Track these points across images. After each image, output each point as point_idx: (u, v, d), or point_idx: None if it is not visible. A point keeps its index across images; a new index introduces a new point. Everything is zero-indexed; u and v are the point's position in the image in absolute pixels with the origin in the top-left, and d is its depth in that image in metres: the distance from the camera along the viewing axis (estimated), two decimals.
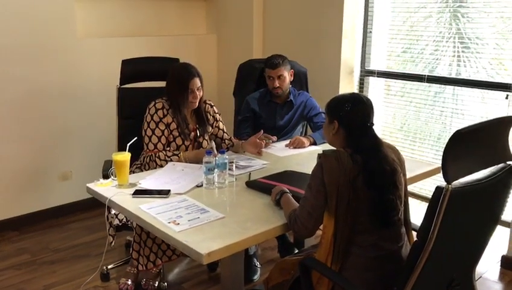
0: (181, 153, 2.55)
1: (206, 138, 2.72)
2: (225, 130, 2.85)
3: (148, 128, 2.57)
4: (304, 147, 2.86)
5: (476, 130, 1.53)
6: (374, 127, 1.82)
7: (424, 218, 1.49)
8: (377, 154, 1.76)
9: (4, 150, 3.36)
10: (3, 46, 3.24)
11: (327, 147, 2.74)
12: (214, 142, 2.61)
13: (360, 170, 1.69)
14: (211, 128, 2.77)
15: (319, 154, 1.77)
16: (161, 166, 2.51)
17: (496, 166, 1.59)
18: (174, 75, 2.63)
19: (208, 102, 2.79)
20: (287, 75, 3.03)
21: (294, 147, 2.85)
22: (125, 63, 3.02)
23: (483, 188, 1.52)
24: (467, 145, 1.49)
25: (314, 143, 2.91)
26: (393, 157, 1.82)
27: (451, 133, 1.45)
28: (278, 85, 3.00)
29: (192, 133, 2.66)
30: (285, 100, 3.10)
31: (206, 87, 4.30)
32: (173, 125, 2.60)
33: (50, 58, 3.45)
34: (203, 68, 4.29)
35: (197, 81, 2.59)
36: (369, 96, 3.69)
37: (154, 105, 2.59)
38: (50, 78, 3.47)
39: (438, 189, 1.42)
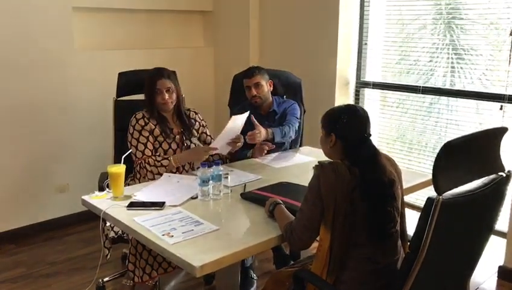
0: (171, 157, 2.55)
1: (194, 141, 2.74)
2: (212, 137, 2.87)
3: (133, 139, 2.59)
4: (256, 141, 2.78)
5: (467, 141, 1.54)
6: (371, 137, 1.81)
7: (416, 229, 1.50)
8: (375, 165, 1.75)
9: (1, 162, 3.37)
10: (0, 58, 3.26)
11: (317, 154, 2.74)
12: (197, 140, 2.64)
13: (357, 182, 1.68)
14: (196, 133, 2.79)
15: (316, 165, 1.76)
16: (151, 172, 2.53)
17: (487, 177, 1.60)
18: (146, 79, 2.67)
19: (192, 110, 2.83)
20: (265, 84, 3.01)
21: (250, 141, 2.76)
22: (122, 76, 3.04)
23: (475, 199, 1.53)
24: (458, 157, 1.50)
25: (272, 139, 2.86)
26: (391, 169, 1.82)
27: None
28: (255, 93, 2.98)
29: (178, 136, 2.68)
30: (268, 110, 3.10)
31: (204, 99, 4.39)
32: (156, 132, 2.62)
33: (47, 71, 3.48)
34: (200, 80, 4.38)
35: (166, 82, 2.62)
36: (365, 108, 3.71)
37: (134, 116, 2.63)
38: (47, 90, 3.49)
39: (429, 200, 1.43)
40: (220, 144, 2.64)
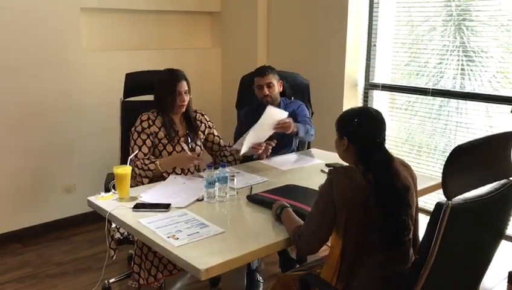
0: (157, 161, 2.52)
1: (199, 143, 2.73)
2: (220, 137, 2.87)
3: (132, 140, 2.59)
4: (287, 132, 2.76)
5: (477, 145, 1.52)
6: (385, 142, 1.77)
7: (425, 235, 1.47)
8: (389, 171, 1.70)
9: (9, 162, 3.38)
10: (9, 58, 3.28)
11: (325, 157, 2.71)
12: (186, 146, 2.60)
13: (371, 189, 1.64)
14: (202, 135, 2.78)
15: (329, 170, 1.73)
16: (140, 175, 2.50)
17: (498, 182, 1.57)
18: (162, 80, 2.65)
19: (198, 111, 2.82)
20: (276, 84, 3.00)
21: (279, 128, 2.73)
22: (129, 77, 3.04)
23: (485, 204, 1.50)
24: (468, 161, 1.47)
25: (296, 133, 2.84)
26: (406, 174, 1.77)
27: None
28: (267, 93, 2.97)
29: (183, 139, 2.67)
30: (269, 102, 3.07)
31: (211, 100, 4.38)
32: (161, 134, 2.61)
33: (55, 71, 3.48)
34: (207, 81, 4.37)
35: (185, 84, 2.63)
36: None
37: (139, 117, 2.62)
38: (55, 90, 3.50)
39: (438, 205, 1.41)
40: (253, 139, 2.64)
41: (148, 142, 2.57)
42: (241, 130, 2.96)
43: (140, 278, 2.42)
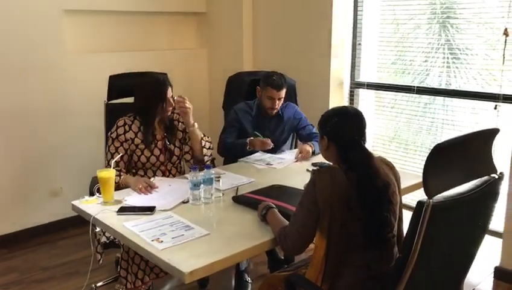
0: (123, 175, 2.47)
1: (177, 145, 2.71)
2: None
3: (107, 146, 2.58)
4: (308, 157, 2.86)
5: (457, 143, 1.52)
6: (364, 140, 1.77)
7: (407, 233, 1.47)
8: (368, 170, 1.71)
9: None
10: None
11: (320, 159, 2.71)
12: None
13: (354, 189, 1.65)
14: (182, 134, 2.76)
15: (313, 170, 1.74)
16: None
17: (479, 179, 1.57)
18: (148, 85, 2.63)
19: (175, 111, 2.80)
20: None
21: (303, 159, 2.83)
22: (113, 79, 3.01)
23: (467, 201, 1.50)
24: (448, 159, 1.48)
25: (313, 151, 2.90)
26: (387, 172, 1.77)
27: None
28: (277, 106, 2.98)
29: (160, 142, 2.65)
30: (273, 114, 3.08)
31: (198, 101, 4.35)
32: (137, 140, 2.59)
33: (39, 74, 3.45)
34: (194, 82, 4.36)
35: (170, 89, 2.63)
36: (360, 108, 3.69)
37: (116, 123, 2.60)
38: (39, 93, 3.47)
39: (419, 204, 1.41)
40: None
41: (121, 149, 2.55)
42: (238, 130, 3.01)
43: (128, 282, 2.40)
